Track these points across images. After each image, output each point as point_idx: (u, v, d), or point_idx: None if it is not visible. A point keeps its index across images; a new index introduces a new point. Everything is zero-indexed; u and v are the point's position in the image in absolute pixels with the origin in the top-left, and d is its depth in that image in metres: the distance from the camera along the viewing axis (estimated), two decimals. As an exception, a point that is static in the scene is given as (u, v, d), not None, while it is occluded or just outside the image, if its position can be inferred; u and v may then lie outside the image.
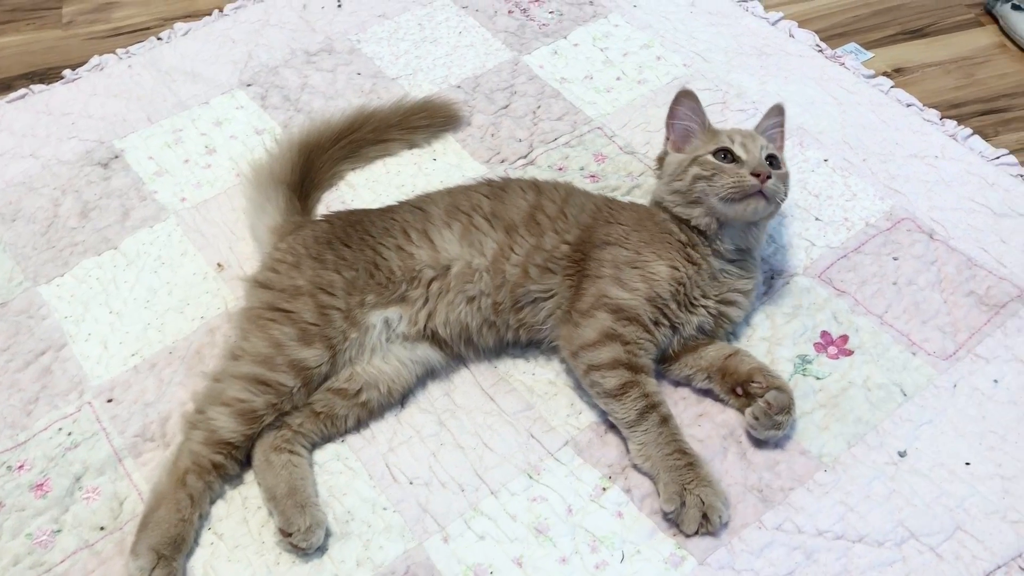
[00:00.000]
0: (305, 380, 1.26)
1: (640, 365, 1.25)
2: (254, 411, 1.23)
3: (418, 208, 1.40)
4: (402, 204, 1.44)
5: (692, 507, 1.16)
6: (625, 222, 1.35)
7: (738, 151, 1.31)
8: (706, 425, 1.29)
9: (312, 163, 1.55)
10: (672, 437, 1.21)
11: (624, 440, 1.26)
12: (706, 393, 1.32)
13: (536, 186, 1.41)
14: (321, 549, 1.19)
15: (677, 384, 1.34)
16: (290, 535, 1.17)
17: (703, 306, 1.31)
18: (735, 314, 1.34)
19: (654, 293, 1.28)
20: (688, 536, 1.17)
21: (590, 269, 1.31)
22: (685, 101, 1.38)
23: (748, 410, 1.25)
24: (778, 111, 1.41)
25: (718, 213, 1.30)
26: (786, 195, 1.32)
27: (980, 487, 1.20)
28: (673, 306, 1.29)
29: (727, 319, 1.34)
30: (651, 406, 1.22)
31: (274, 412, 1.25)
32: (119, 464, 1.28)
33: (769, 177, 1.27)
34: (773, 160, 1.33)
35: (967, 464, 1.23)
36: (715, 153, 1.31)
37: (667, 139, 1.40)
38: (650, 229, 1.33)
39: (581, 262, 1.32)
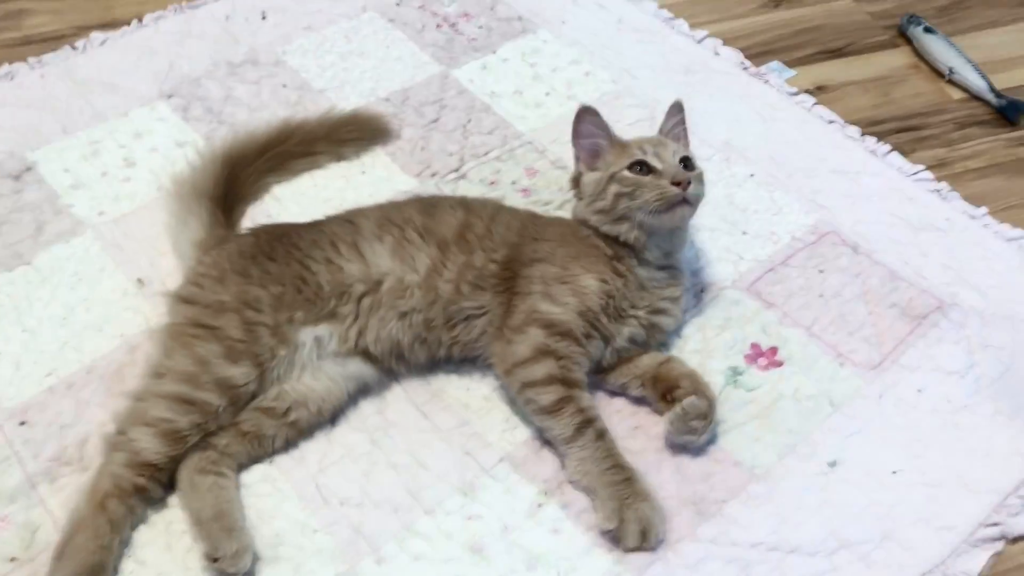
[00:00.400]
0: (232, 399, 1.22)
1: (574, 380, 1.24)
2: (178, 431, 1.19)
3: (348, 221, 1.37)
4: (331, 218, 1.41)
5: (631, 522, 1.16)
6: (551, 238, 1.35)
7: (653, 162, 1.30)
8: (640, 437, 1.29)
9: (236, 176, 1.51)
10: (608, 452, 1.21)
11: (560, 457, 1.25)
12: (640, 402, 1.32)
13: (465, 203, 1.40)
14: (249, 574, 1.15)
15: (613, 394, 1.34)
16: (216, 560, 1.12)
17: (633, 316, 1.32)
18: (666, 323, 1.35)
19: (585, 307, 1.27)
20: (627, 551, 1.17)
21: (520, 287, 1.30)
22: (587, 117, 1.36)
23: (666, 415, 1.25)
24: (678, 108, 1.41)
25: (646, 226, 1.30)
26: (703, 193, 1.34)
27: (907, 495, 1.23)
28: (604, 319, 1.29)
29: (658, 329, 1.35)
30: (587, 421, 1.22)
31: (199, 432, 1.20)
32: (32, 490, 1.22)
33: (689, 183, 1.28)
34: (687, 162, 1.34)
35: (894, 472, 1.25)
36: (631, 167, 1.31)
37: (577, 159, 1.39)
38: (575, 244, 1.33)
39: (511, 280, 1.31)
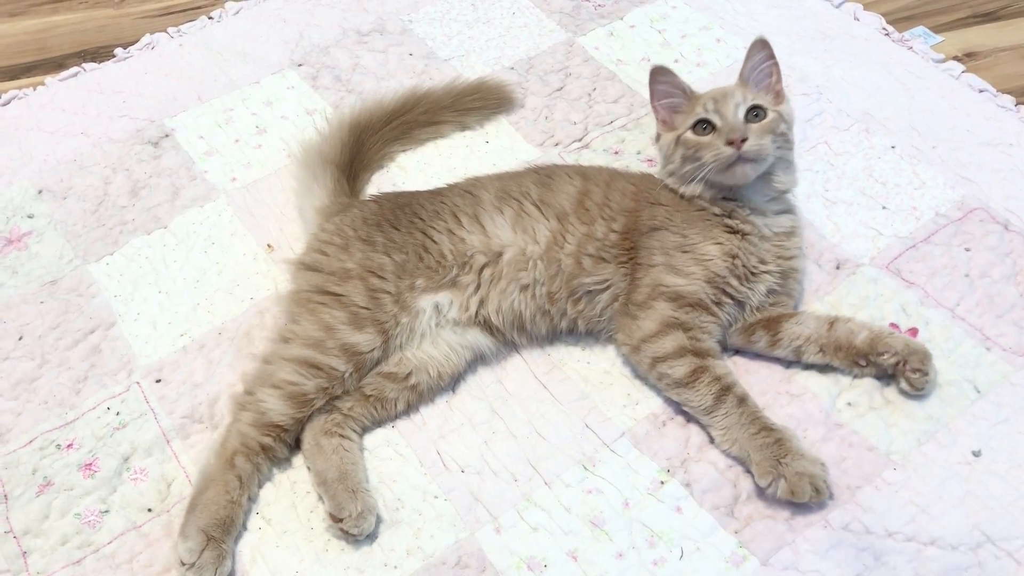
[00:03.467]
0: (357, 364, 1.24)
1: (706, 349, 1.22)
2: (304, 394, 1.21)
3: (468, 192, 1.37)
4: (451, 187, 1.41)
5: (795, 477, 1.12)
6: (666, 202, 1.31)
7: (713, 119, 1.26)
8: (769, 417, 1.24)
9: (362, 144, 1.52)
10: (754, 416, 1.17)
11: (705, 428, 1.22)
12: (766, 383, 1.27)
13: (582, 172, 1.38)
14: (371, 536, 1.16)
15: (789, 364, 1.30)
16: (341, 520, 1.15)
17: (766, 272, 1.27)
18: (799, 265, 1.31)
19: (712, 273, 1.24)
20: (799, 503, 1.13)
21: (642, 257, 1.27)
22: (660, 77, 1.33)
23: (901, 383, 1.22)
24: (760, 45, 1.32)
25: (717, 185, 1.28)
26: (784, 135, 1.28)
27: (1062, 492, 1.15)
28: (734, 282, 1.25)
29: (793, 276, 1.30)
30: (725, 388, 1.19)
31: (324, 396, 1.22)
32: (167, 445, 1.27)
33: (744, 139, 1.22)
34: (757, 112, 1.27)
35: (1049, 465, 1.17)
36: (694, 128, 1.27)
37: (658, 121, 1.36)
38: (687, 208, 1.30)
39: (632, 250, 1.29)
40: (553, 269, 1.29)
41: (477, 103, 1.65)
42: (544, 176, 1.37)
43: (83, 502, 1.21)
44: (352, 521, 1.15)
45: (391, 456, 1.24)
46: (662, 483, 1.19)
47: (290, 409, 1.21)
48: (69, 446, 1.27)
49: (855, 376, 1.26)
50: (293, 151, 1.58)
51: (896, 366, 1.22)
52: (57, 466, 1.25)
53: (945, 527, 1.12)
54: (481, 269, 1.30)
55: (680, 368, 1.20)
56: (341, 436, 1.22)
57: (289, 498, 1.21)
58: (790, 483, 1.12)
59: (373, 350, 1.24)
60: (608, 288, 1.29)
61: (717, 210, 1.28)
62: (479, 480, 1.21)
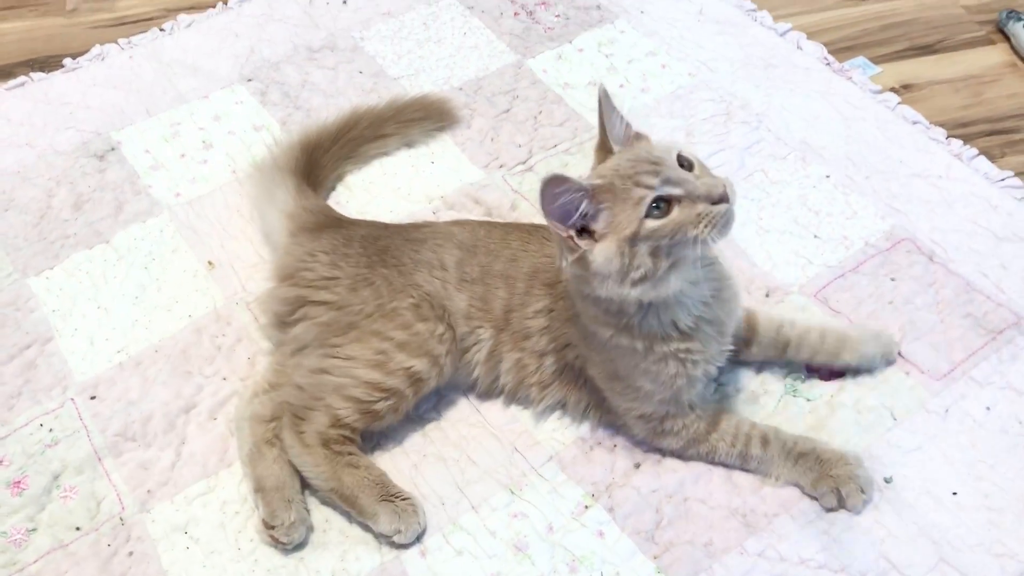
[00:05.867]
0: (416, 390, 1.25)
1: (704, 430, 1.23)
2: (376, 411, 1.23)
3: (437, 256, 1.30)
4: (424, 236, 1.34)
5: (840, 489, 1.18)
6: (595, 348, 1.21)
7: (670, 192, 1.03)
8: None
9: (315, 162, 1.52)
10: (783, 447, 1.21)
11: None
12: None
13: (507, 277, 1.28)
14: (296, 556, 1.18)
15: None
16: (273, 528, 1.17)
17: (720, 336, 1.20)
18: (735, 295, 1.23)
19: (674, 388, 1.19)
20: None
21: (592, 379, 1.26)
22: (552, 189, 1.02)
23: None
24: (606, 94, 1.10)
25: (705, 257, 1.07)
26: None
27: (966, 518, 1.18)
28: (700, 372, 1.19)
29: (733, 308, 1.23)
30: (745, 440, 1.22)
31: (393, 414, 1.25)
32: (98, 463, 1.27)
33: (724, 188, 1.03)
34: (684, 161, 1.07)
35: (954, 494, 1.20)
36: (650, 214, 1.02)
37: (566, 239, 1.05)
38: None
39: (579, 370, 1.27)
40: (510, 368, 1.29)
41: (419, 115, 1.66)
42: (485, 267, 1.29)
43: (10, 520, 1.22)
44: (284, 530, 1.17)
45: (320, 477, 1.26)
46: (586, 507, 1.22)
47: (365, 422, 1.23)
48: (-1, 463, 1.27)
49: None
50: (245, 168, 1.58)
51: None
52: (-15, 483, 1.25)
53: (854, 555, 1.15)
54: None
55: (693, 453, 1.24)
56: (282, 447, 1.23)
57: (218, 518, 1.22)
58: (849, 495, 1.18)
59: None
60: (567, 402, 1.31)
61: (640, 345, 1.15)
62: (407, 503, 1.23)
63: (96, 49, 1.87)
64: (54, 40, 1.93)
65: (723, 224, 1.03)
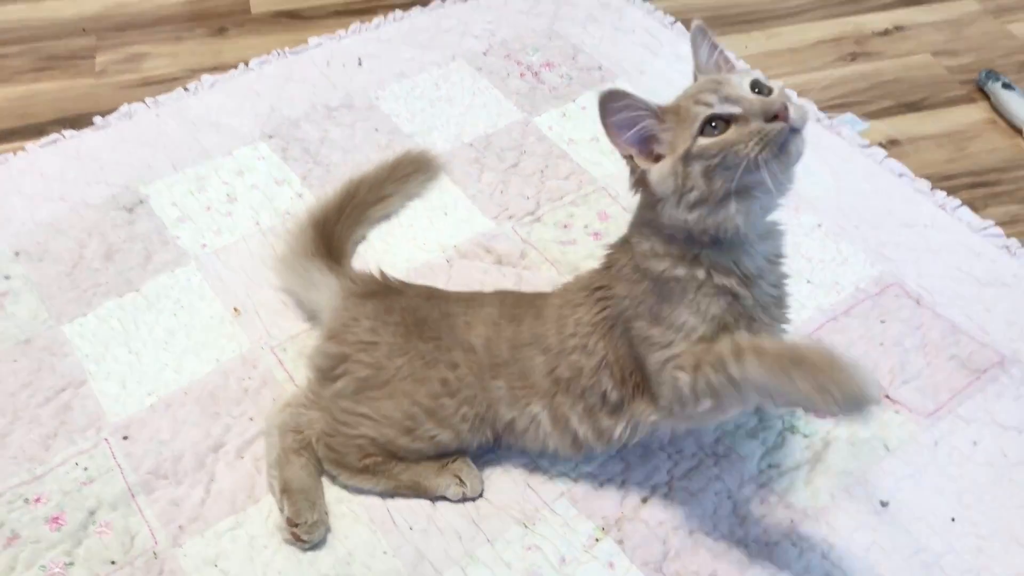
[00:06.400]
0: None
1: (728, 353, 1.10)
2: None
3: (468, 338, 1.32)
4: (457, 313, 1.36)
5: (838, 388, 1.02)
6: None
7: (727, 109, 1.02)
8: (697, 479, 1.34)
9: (330, 237, 1.57)
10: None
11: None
12: (701, 449, 1.37)
13: (540, 341, 1.30)
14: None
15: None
16: (296, 525, 1.26)
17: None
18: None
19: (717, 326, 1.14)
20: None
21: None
22: (614, 103, 1.06)
23: None
24: (702, 32, 1.14)
25: (777, 181, 1.04)
26: (806, 111, 1.07)
27: (957, 544, 1.25)
28: (747, 323, 1.13)
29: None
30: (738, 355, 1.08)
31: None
32: (132, 500, 1.34)
33: (786, 106, 1.01)
34: (761, 86, 1.06)
35: (952, 520, 1.27)
36: (704, 131, 1.03)
37: (628, 158, 1.09)
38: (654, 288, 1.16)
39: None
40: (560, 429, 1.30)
41: (410, 170, 1.74)
42: (513, 352, 1.31)
43: (49, 554, 1.28)
44: (306, 528, 1.26)
45: (343, 513, 1.32)
46: (597, 540, 1.28)
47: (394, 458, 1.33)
48: (37, 500, 1.34)
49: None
50: (274, 258, 1.62)
51: None
52: (24, 519, 1.31)
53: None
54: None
55: (726, 392, 1.10)
56: (308, 457, 1.33)
57: (247, 551, 1.29)
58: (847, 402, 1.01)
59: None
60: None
61: (701, 274, 1.10)
62: (425, 538, 1.29)
63: (124, 108, 1.96)
64: (84, 99, 2.03)
65: (776, 144, 1.00)
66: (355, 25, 2.16)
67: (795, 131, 1.02)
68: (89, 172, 1.83)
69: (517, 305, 1.35)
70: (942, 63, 2.05)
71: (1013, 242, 1.64)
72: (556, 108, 1.95)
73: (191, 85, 2.02)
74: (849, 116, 1.91)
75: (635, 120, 1.05)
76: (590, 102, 1.95)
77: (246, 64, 2.07)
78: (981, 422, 1.38)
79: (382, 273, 1.47)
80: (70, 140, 1.90)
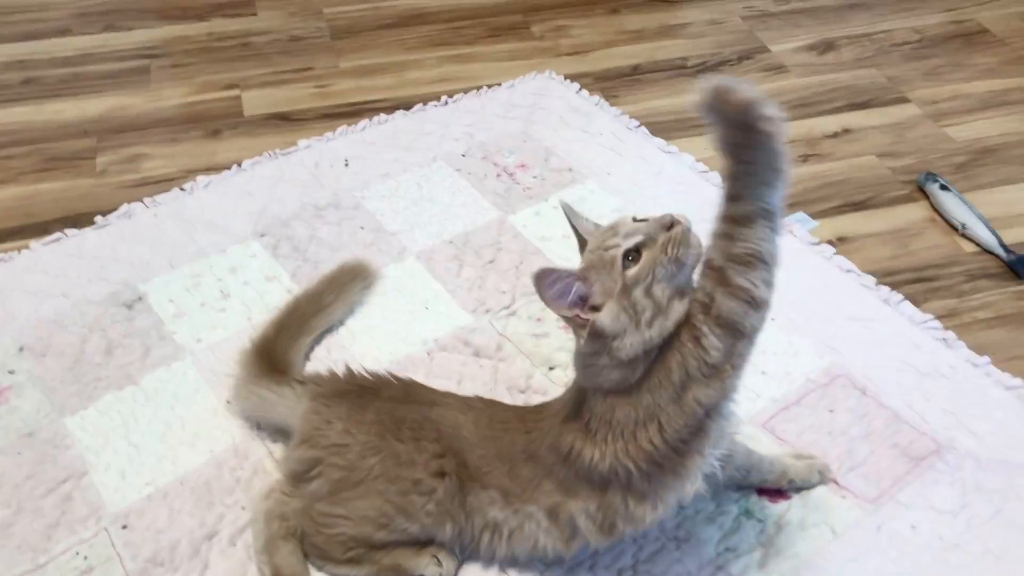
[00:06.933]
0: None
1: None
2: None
3: (454, 449, 1.40)
4: (435, 419, 1.44)
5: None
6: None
7: (631, 241, 1.21)
8: (660, 562, 1.44)
9: (271, 353, 1.64)
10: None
11: None
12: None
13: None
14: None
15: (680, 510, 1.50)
16: None
17: None
18: None
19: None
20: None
21: None
22: (546, 281, 1.18)
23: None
24: (569, 208, 1.37)
25: (688, 277, 1.22)
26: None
27: (897, 624, 1.35)
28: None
29: None
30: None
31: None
32: (131, 586, 1.43)
33: (673, 216, 1.23)
34: (637, 219, 1.26)
35: (887, 603, 1.38)
36: (626, 265, 1.19)
37: (574, 320, 1.21)
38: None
39: None
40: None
41: (347, 278, 1.83)
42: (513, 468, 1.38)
43: (53, 639, 1.36)
44: None
45: (329, 596, 1.41)
46: None
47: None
48: (41, 587, 1.42)
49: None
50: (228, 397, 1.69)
51: None
52: (27, 606, 1.40)
53: (799, 659, 1.32)
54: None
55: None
56: (295, 543, 1.41)
57: (238, 635, 1.38)
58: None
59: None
60: None
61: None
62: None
63: (124, 207, 2.08)
64: (86, 199, 2.14)
65: (686, 242, 1.20)
66: (342, 128, 2.31)
67: (687, 229, 1.21)
68: (90, 269, 1.94)
69: (496, 420, 1.43)
70: (886, 164, 2.21)
71: (950, 335, 1.77)
72: (530, 207, 2.09)
73: (187, 185, 2.15)
74: (800, 215, 2.06)
75: (566, 287, 1.19)
76: (562, 201, 2.09)
77: (239, 165, 2.20)
78: (919, 507, 1.49)
79: (349, 372, 1.53)
80: (72, 238, 2.01)
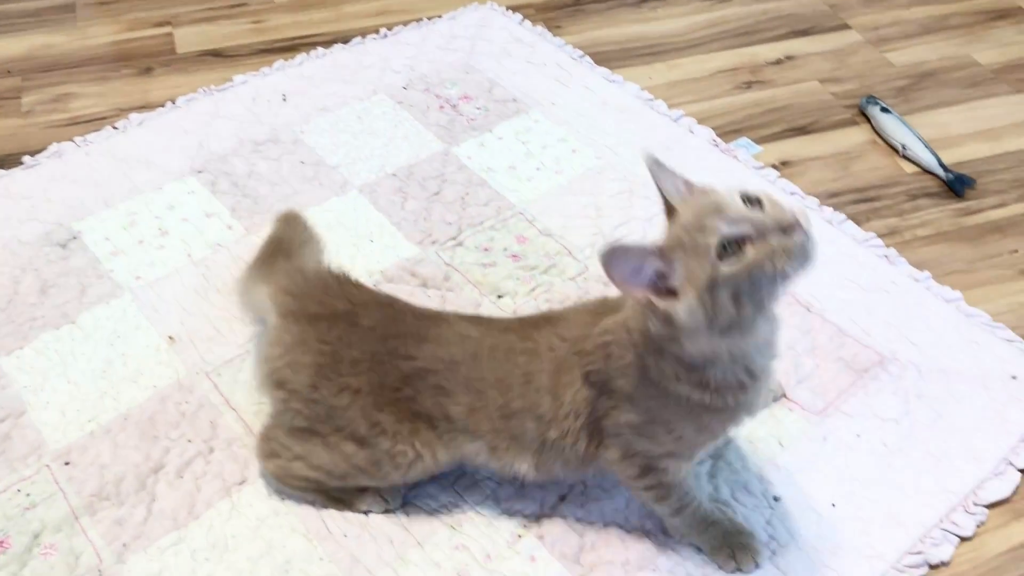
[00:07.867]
0: None
1: (679, 478, 1.31)
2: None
3: (440, 383, 1.30)
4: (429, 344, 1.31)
5: (737, 554, 1.32)
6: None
7: (739, 230, 1.01)
8: (611, 477, 1.45)
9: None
10: (703, 512, 1.33)
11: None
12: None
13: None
14: (262, 595, 1.32)
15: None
16: None
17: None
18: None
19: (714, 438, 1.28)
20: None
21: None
22: (615, 259, 1.02)
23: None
24: (655, 163, 1.14)
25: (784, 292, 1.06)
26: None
27: (842, 527, 1.38)
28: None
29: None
30: (688, 499, 1.32)
31: None
32: (76, 521, 1.40)
33: (797, 219, 1.02)
34: (751, 198, 1.06)
35: (833, 506, 1.40)
36: (721, 257, 1.01)
37: (646, 303, 1.07)
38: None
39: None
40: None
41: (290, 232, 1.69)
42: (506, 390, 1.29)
43: (-5, 577, 1.33)
44: None
45: (280, 524, 1.40)
46: (519, 537, 1.38)
47: None
48: (-19, 527, 1.39)
49: None
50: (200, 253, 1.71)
51: None
52: (-32, 546, 1.36)
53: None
54: None
55: (655, 494, 1.31)
56: None
57: (189, 565, 1.35)
58: (742, 561, 1.32)
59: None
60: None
61: (708, 398, 1.13)
62: (359, 543, 1.38)
63: (53, 147, 2.02)
64: (12, 139, 2.07)
65: (801, 254, 1.01)
66: (279, 63, 2.25)
67: (807, 237, 1.02)
68: (21, 210, 1.88)
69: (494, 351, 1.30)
70: (828, 89, 2.22)
71: (892, 252, 1.79)
72: (474, 139, 2.06)
73: (120, 123, 2.08)
74: (744, 140, 2.07)
75: (640, 267, 1.04)
76: (506, 132, 2.08)
77: (173, 102, 2.14)
78: (863, 416, 1.52)
79: (323, 285, 1.37)
80: (0, 179, 1.94)
